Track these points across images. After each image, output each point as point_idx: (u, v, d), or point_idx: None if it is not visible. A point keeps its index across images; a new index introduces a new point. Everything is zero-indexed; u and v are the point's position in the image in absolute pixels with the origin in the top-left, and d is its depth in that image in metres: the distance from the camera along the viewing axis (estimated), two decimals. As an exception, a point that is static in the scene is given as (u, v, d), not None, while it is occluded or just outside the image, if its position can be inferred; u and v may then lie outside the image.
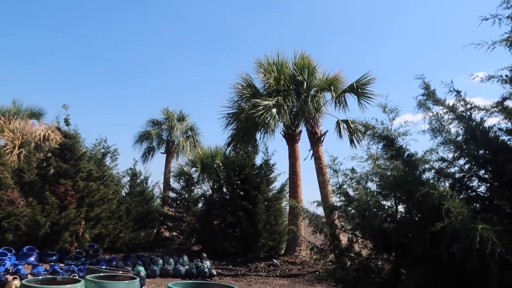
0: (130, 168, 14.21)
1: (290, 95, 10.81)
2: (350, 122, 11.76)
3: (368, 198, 5.69)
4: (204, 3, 58.38)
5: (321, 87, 11.14)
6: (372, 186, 7.10)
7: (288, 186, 13.34)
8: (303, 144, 14.18)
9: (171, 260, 9.76)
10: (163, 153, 19.64)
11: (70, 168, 10.82)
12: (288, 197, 12.32)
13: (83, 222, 10.94)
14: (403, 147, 6.32)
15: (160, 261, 9.56)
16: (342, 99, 11.24)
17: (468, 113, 5.62)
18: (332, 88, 11.31)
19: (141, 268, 8.64)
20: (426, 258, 5.04)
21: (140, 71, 57.03)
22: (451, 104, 6.04)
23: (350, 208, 6.64)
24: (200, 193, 15.69)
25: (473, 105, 5.44)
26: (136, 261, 9.84)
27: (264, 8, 60.20)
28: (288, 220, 12.36)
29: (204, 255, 11.27)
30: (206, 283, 5.33)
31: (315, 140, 10.90)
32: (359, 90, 10.44)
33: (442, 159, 6.04)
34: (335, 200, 7.47)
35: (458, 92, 5.47)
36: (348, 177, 7.02)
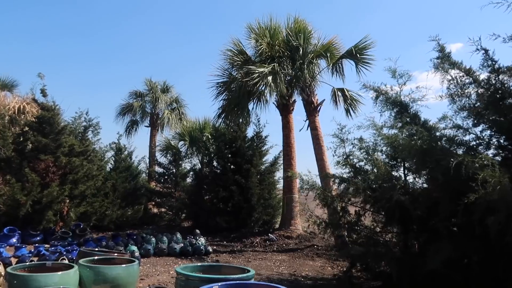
0: (114, 142, 13.49)
1: (285, 62, 10.17)
2: (346, 90, 11.27)
3: (384, 169, 5.25)
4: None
5: (317, 53, 10.52)
6: (380, 156, 6.77)
7: (281, 158, 12.91)
8: (297, 115, 13.64)
9: (164, 238, 9.29)
10: (147, 126, 18.84)
11: (50, 142, 10.04)
12: (282, 169, 11.87)
13: (67, 200, 10.27)
14: (418, 113, 5.91)
15: (153, 239, 9.08)
16: (339, 66, 10.68)
17: (494, 75, 5.21)
18: (328, 54, 10.72)
19: (134, 248, 8.14)
20: (452, 231, 4.70)
21: (122, 48, 54.81)
22: (468, 68, 5.63)
23: (358, 179, 6.25)
24: (188, 168, 15.14)
25: (501, 66, 5.01)
26: (127, 240, 9.32)
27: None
28: (283, 193, 11.99)
29: (197, 231, 10.84)
30: (216, 265, 4.87)
31: (312, 110, 10.38)
32: (358, 55, 9.87)
33: (457, 126, 5.67)
34: (341, 171, 7.06)
35: (486, 50, 5.01)
36: (357, 147, 6.62)
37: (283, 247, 10.16)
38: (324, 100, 10.69)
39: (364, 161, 6.34)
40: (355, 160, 6.62)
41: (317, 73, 10.75)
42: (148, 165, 16.62)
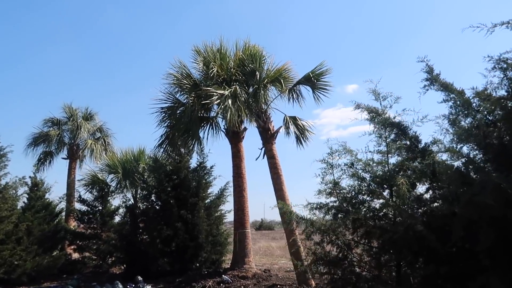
0: (30, 177, 11.25)
1: (240, 87, 9.48)
2: (298, 119, 10.92)
3: (405, 196, 4.68)
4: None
5: (271, 78, 10.06)
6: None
7: (228, 190, 12.00)
8: (247, 144, 12.85)
9: (105, 290, 7.63)
10: (64, 158, 16.38)
11: None
12: (233, 202, 10.92)
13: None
14: (417, 135, 5.60)
15: (91, 293, 7.38)
16: (295, 93, 10.32)
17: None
18: (282, 80, 10.32)
19: (71, 307, 6.44)
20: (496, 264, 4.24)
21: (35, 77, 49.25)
22: (460, 89, 5.52)
23: (355, 209, 5.65)
24: (117, 204, 13.32)
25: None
26: None
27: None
28: (234, 229, 10.97)
29: (140, 278, 9.30)
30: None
31: (268, 137, 9.76)
32: (315, 80, 9.62)
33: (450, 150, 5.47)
34: (324, 201, 6.43)
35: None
36: (348, 173, 6.08)
37: (241, 289, 9.08)
38: (280, 127, 10.17)
39: (358, 188, 5.79)
40: (346, 189, 6.07)
41: (272, 99, 10.25)
42: (65, 202, 14.29)
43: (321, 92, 9.79)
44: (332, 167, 6.10)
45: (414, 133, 5.48)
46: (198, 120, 9.54)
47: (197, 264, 10.80)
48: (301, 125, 10.94)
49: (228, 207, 11.31)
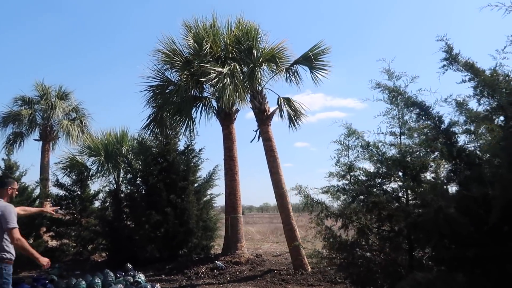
0: (3, 159, 10.38)
1: (237, 65, 9.00)
2: (291, 100, 10.61)
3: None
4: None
5: (266, 56, 9.63)
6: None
7: (217, 174, 11.58)
8: (238, 125, 12.34)
9: (98, 280, 7.11)
10: (37, 140, 15.32)
11: None
12: (224, 186, 10.55)
13: None
14: (441, 115, 5.39)
15: (83, 283, 6.84)
16: (292, 72, 9.96)
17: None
18: (277, 59, 9.94)
19: (64, 299, 5.92)
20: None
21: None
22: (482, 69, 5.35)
23: (380, 193, 5.42)
24: (97, 189, 12.60)
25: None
26: None
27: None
28: (225, 213, 10.63)
29: (129, 266, 8.82)
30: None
31: (264, 119, 9.36)
32: (313, 60, 9.28)
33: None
34: (336, 184, 6.18)
35: None
36: (365, 154, 5.83)
37: (237, 275, 8.79)
38: (276, 108, 9.82)
39: (377, 170, 5.56)
40: (361, 171, 5.84)
41: (268, 79, 9.86)
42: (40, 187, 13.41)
43: (320, 72, 9.47)
44: (348, 148, 5.86)
45: (437, 114, 5.29)
46: (192, 100, 9.02)
47: (186, 250, 10.39)
48: (295, 106, 10.66)
49: (216, 191, 11.15)
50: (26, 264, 10.01)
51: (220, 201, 15.47)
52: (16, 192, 4.56)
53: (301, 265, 8.85)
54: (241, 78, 8.50)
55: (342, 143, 5.85)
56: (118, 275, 8.20)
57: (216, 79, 7.99)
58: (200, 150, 11.26)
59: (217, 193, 11.62)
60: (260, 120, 9.45)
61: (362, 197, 5.51)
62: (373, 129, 6.21)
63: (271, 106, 9.89)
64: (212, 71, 8.12)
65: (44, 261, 4.13)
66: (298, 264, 8.87)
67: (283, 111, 10.52)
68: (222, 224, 11.78)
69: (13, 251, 4.06)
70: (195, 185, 10.94)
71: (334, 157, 5.89)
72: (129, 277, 7.83)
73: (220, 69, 8.23)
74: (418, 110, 5.35)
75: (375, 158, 5.60)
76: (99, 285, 6.92)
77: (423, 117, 5.38)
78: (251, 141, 9.66)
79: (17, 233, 3.90)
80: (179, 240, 10.17)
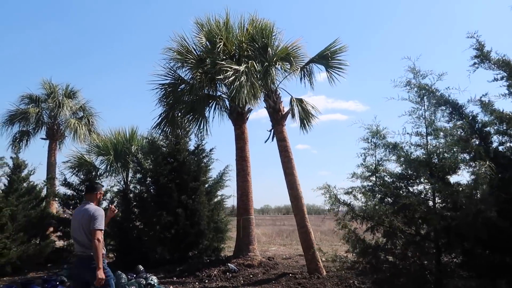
0: (11, 157, 10.18)
1: (253, 63, 8.79)
2: (304, 101, 10.42)
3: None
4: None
5: (282, 54, 9.43)
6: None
7: (227, 174, 11.42)
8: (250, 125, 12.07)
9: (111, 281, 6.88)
10: (44, 138, 15.14)
11: None
12: (236, 186, 10.35)
13: None
14: (475, 114, 5.18)
15: (96, 285, 6.62)
16: (306, 72, 9.75)
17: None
18: (291, 58, 9.74)
19: (78, 302, 5.70)
20: None
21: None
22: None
23: (410, 195, 5.20)
24: (105, 189, 12.38)
25: None
26: None
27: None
28: (237, 214, 10.42)
29: (141, 267, 8.63)
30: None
31: (279, 119, 9.16)
32: (330, 59, 9.07)
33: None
34: (361, 185, 5.97)
35: None
36: (393, 154, 5.63)
37: (251, 278, 8.57)
38: (291, 108, 9.61)
39: (405, 171, 5.35)
40: (387, 171, 5.63)
41: (282, 78, 9.65)
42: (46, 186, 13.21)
43: (336, 71, 9.27)
44: (376, 146, 5.66)
45: (471, 113, 5.08)
46: (206, 98, 8.82)
47: (197, 252, 10.19)
48: (307, 108, 10.46)
49: (227, 192, 10.99)
50: (34, 265, 9.86)
51: (230, 203, 15.23)
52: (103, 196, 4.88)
53: (316, 268, 8.64)
54: (257, 76, 8.29)
55: (370, 141, 5.67)
56: (129, 277, 8.01)
57: (233, 77, 7.79)
58: (211, 150, 11.10)
59: (228, 195, 11.47)
60: (274, 119, 9.25)
61: (390, 199, 5.32)
62: (397, 130, 6.04)
63: (284, 106, 9.70)
64: (228, 68, 7.92)
65: (100, 278, 4.21)
66: (313, 268, 8.66)
67: (295, 112, 10.34)
68: (233, 226, 11.59)
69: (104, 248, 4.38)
70: (206, 185, 10.74)
71: (361, 155, 5.72)
72: (141, 279, 7.64)
73: (236, 67, 8.03)
74: (450, 109, 5.15)
75: (402, 159, 5.40)
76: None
77: (456, 117, 5.19)
78: (265, 141, 9.47)
79: (99, 234, 4.22)
80: (189, 242, 9.97)
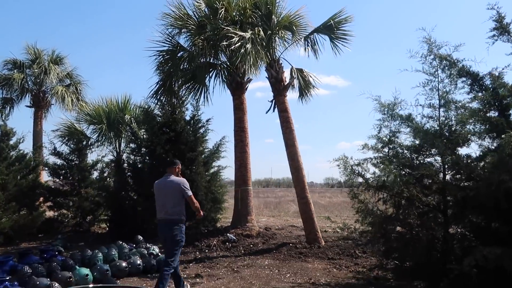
0: (-1, 125, 9.73)
1: (259, 30, 8.49)
2: (304, 71, 10.26)
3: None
4: None
5: (285, 23, 9.15)
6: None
7: (224, 145, 11.29)
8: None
9: (114, 251, 6.79)
10: (29, 106, 14.51)
11: None
12: (234, 157, 10.25)
13: None
14: (496, 86, 5.14)
15: (100, 255, 6.51)
16: (310, 42, 9.51)
17: None
18: (295, 27, 9.49)
19: (86, 271, 5.59)
20: None
21: None
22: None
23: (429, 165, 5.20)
24: (95, 159, 12.09)
25: None
26: (43, 259, 6.66)
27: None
28: (235, 185, 10.37)
29: (140, 237, 8.53)
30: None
31: (281, 89, 8.98)
32: (335, 29, 8.86)
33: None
34: (373, 155, 5.95)
35: None
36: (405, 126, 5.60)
37: (251, 248, 8.61)
38: (293, 78, 9.43)
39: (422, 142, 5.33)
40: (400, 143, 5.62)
41: (285, 47, 9.41)
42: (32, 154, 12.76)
43: (340, 42, 9.08)
44: (392, 117, 5.61)
45: (492, 84, 5.04)
46: (207, 66, 8.53)
47: (194, 223, 10.11)
48: (307, 78, 10.32)
49: (223, 163, 10.89)
50: (25, 235, 9.64)
51: (227, 174, 15.09)
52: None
53: (315, 238, 8.74)
54: (263, 44, 8.03)
55: (386, 112, 5.61)
56: (129, 246, 7.90)
57: (239, 44, 7.51)
58: (207, 121, 10.84)
59: (224, 165, 11.36)
60: (276, 90, 9.07)
61: (407, 170, 5.32)
62: (410, 101, 6.00)
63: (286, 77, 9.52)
64: (233, 35, 7.62)
65: (202, 214, 5.40)
66: (312, 238, 8.75)
67: (295, 83, 10.19)
68: (229, 197, 11.56)
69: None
70: (202, 156, 10.58)
71: (376, 127, 5.67)
72: (142, 249, 7.54)
73: (242, 33, 7.74)
74: (471, 80, 5.10)
75: (416, 130, 5.37)
76: (116, 257, 6.60)
77: (476, 88, 5.15)
78: (267, 112, 9.34)
79: (193, 197, 5.17)
80: (187, 212, 9.86)
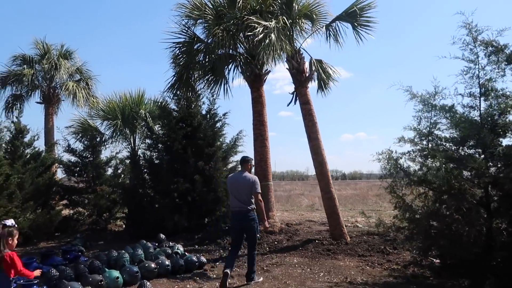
0: (13, 122, 9.49)
1: (283, 19, 8.14)
2: (324, 62, 9.93)
3: None
4: None
5: (305, 11, 8.81)
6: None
7: (241, 140, 11.07)
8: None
9: (140, 251, 6.57)
10: (39, 102, 14.27)
11: None
12: (254, 151, 9.98)
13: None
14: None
15: (126, 255, 6.29)
16: (332, 31, 9.17)
17: None
18: (315, 15, 9.16)
19: (116, 273, 5.37)
20: None
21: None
22: None
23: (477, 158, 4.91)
24: (109, 155, 11.87)
25: None
26: (66, 260, 6.47)
27: None
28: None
29: (162, 236, 8.31)
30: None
31: (303, 81, 8.68)
32: (358, 16, 8.50)
33: None
34: (411, 149, 5.67)
35: None
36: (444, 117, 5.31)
37: (275, 245, 8.38)
38: (314, 70, 9.12)
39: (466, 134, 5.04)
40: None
41: (306, 37, 9.09)
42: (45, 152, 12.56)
43: (364, 29, 8.74)
44: (433, 107, 5.31)
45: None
46: (227, 58, 8.23)
47: (214, 219, 9.90)
48: (327, 70, 10.00)
49: (240, 158, 10.56)
50: (42, 235, 9.46)
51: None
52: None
53: (341, 234, 8.50)
54: (287, 34, 7.72)
55: (427, 103, 5.32)
56: (152, 247, 7.69)
57: (262, 34, 7.21)
58: (224, 114, 10.59)
59: (242, 160, 11.10)
60: (298, 81, 8.77)
61: (453, 163, 5.03)
62: (448, 90, 5.72)
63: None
64: (256, 24, 7.31)
65: (267, 226, 6.13)
66: (337, 234, 8.50)
67: (315, 74, 9.87)
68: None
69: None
70: (222, 151, 10.34)
71: (417, 118, 5.38)
72: (166, 248, 7.33)
73: (265, 23, 7.42)
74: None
75: (459, 121, 5.09)
76: (143, 257, 6.39)
77: (525, 75, 4.85)
78: (288, 105, 9.04)
79: (260, 196, 5.61)
80: (206, 209, 9.67)
